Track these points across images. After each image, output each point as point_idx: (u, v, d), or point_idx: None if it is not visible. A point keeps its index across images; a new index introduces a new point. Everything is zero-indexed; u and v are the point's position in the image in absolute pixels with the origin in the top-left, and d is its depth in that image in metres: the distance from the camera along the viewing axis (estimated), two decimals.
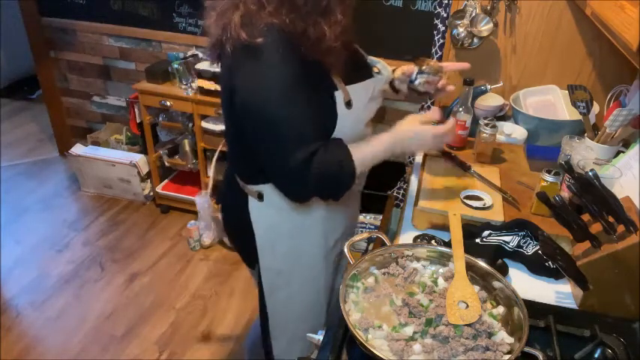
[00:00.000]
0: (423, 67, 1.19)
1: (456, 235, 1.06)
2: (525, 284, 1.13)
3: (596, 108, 1.64)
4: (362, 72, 1.22)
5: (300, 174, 1.06)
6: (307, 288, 1.36)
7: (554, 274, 1.15)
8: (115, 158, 2.98)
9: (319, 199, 1.20)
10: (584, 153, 1.38)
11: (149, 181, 3.07)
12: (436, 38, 2.03)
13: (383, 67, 1.30)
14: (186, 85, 2.62)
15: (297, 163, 1.03)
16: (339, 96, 1.10)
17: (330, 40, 1.01)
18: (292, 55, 1.01)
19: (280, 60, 1.01)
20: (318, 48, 1.02)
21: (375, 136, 1.15)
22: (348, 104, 1.11)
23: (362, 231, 2.41)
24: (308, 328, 1.40)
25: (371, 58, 1.29)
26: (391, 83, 1.37)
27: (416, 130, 1.16)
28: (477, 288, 0.97)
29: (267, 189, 1.21)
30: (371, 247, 2.12)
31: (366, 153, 1.12)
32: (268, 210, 1.24)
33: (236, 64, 1.05)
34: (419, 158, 1.61)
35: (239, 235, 1.36)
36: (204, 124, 2.65)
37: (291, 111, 1.03)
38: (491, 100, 1.88)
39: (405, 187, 2.45)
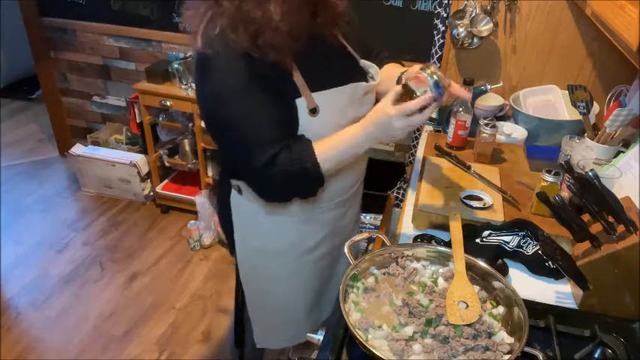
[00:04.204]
0: (427, 71, 1.00)
1: (456, 235, 1.06)
2: (525, 284, 1.14)
3: (596, 108, 1.64)
4: (344, 75, 1.15)
5: (264, 176, 1.07)
6: (282, 286, 1.37)
7: (554, 274, 1.15)
8: (115, 158, 2.98)
9: (300, 200, 1.20)
10: (584, 153, 1.38)
11: (149, 181, 3.07)
12: (436, 38, 2.03)
13: (375, 72, 1.25)
14: (186, 85, 2.62)
15: (259, 165, 1.04)
16: (301, 103, 1.07)
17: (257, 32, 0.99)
18: (242, 62, 1.01)
19: (228, 69, 1.02)
20: (255, 42, 1.00)
21: (344, 130, 1.08)
22: (313, 111, 1.08)
23: (362, 231, 2.40)
24: (286, 323, 1.43)
25: (364, 62, 1.24)
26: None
27: (380, 119, 1.02)
28: (477, 288, 0.97)
29: (244, 185, 1.23)
30: (371, 247, 2.12)
31: (333, 150, 1.07)
32: (248, 204, 1.26)
33: (194, 73, 1.08)
34: (419, 158, 1.61)
35: (224, 224, 1.40)
36: (204, 124, 2.64)
37: (246, 116, 1.04)
38: (491, 100, 1.88)
39: (405, 187, 2.45)
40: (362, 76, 1.22)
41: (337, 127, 1.10)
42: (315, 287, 1.40)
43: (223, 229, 1.41)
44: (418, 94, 1.00)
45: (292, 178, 1.07)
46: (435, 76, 0.99)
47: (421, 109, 0.99)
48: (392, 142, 1.02)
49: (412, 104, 0.98)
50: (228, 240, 1.40)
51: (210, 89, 1.05)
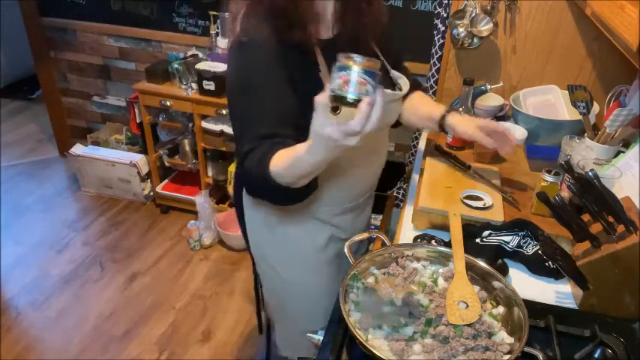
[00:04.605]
0: (349, 64, 0.75)
1: (456, 235, 1.06)
2: (525, 284, 1.13)
3: (596, 108, 1.64)
4: None
5: (240, 167, 1.12)
6: (298, 288, 1.37)
7: (554, 274, 1.15)
8: (115, 158, 2.98)
9: (310, 199, 1.18)
10: (584, 153, 1.38)
11: (149, 181, 3.07)
12: (436, 38, 2.03)
13: (404, 83, 1.25)
14: (186, 85, 2.62)
15: (238, 157, 1.08)
16: None
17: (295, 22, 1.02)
18: (273, 55, 1.03)
19: (252, 60, 1.05)
20: (288, 31, 1.03)
21: (296, 147, 0.95)
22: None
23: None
24: (305, 322, 1.40)
25: (394, 73, 1.26)
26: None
27: (324, 144, 0.85)
28: (477, 288, 0.97)
29: None
30: (371, 247, 2.12)
31: (286, 165, 0.96)
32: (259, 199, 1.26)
33: (228, 56, 1.12)
34: (419, 158, 1.61)
35: (238, 215, 1.41)
36: (204, 124, 2.65)
37: (247, 109, 1.06)
38: (491, 100, 1.88)
39: (405, 187, 2.45)
40: (389, 85, 1.23)
41: None
42: (334, 289, 1.38)
43: (239, 221, 1.42)
44: (352, 97, 0.76)
45: (250, 179, 1.07)
46: (362, 67, 0.75)
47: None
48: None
49: (356, 123, 0.77)
50: (242, 232, 1.41)
51: (232, 77, 1.09)
